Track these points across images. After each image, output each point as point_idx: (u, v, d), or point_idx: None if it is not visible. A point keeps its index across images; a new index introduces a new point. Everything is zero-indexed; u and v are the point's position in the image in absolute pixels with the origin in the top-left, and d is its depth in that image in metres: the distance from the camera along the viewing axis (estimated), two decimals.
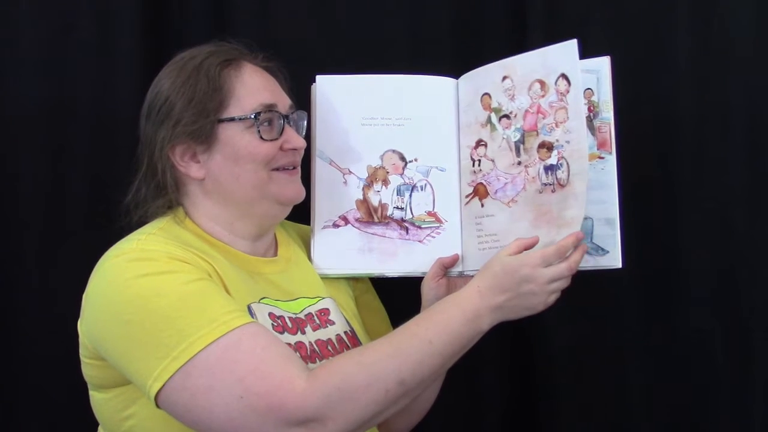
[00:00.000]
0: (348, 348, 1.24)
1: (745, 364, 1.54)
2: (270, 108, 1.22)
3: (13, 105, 1.56)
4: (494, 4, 1.60)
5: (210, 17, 1.61)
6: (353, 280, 1.38)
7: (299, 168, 1.27)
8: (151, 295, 1.08)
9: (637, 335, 1.57)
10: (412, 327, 1.13)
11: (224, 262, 1.19)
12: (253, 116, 1.21)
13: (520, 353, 1.61)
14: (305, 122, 1.30)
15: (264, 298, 1.21)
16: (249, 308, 1.17)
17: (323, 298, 1.28)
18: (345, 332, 1.26)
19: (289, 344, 1.16)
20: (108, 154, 1.58)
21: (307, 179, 1.31)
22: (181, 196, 1.24)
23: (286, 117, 1.24)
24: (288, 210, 1.28)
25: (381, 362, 1.07)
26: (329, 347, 1.22)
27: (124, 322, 1.08)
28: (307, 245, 1.36)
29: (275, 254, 1.30)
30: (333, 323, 1.25)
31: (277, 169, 1.23)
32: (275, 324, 1.18)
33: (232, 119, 1.20)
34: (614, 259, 1.23)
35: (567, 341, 1.58)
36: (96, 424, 1.24)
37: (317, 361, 1.18)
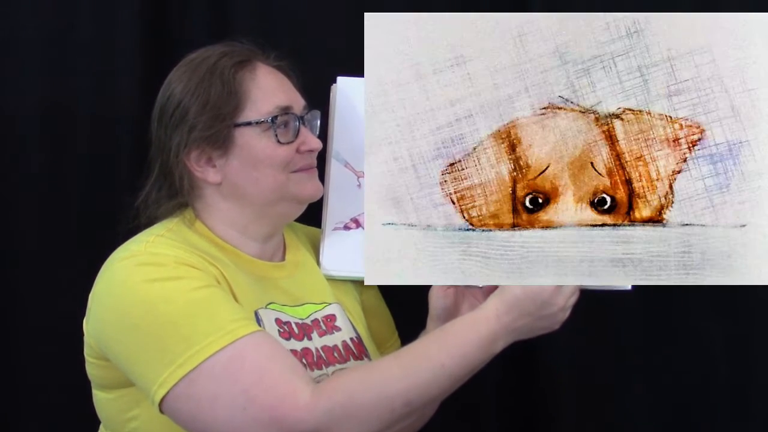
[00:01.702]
0: (354, 354, 1.24)
1: (745, 364, 1.55)
2: (286, 110, 1.21)
3: (13, 105, 1.56)
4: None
5: (210, 17, 1.61)
6: (360, 283, 1.38)
7: (315, 166, 1.27)
8: (159, 301, 1.08)
9: (637, 335, 1.58)
10: (424, 348, 1.12)
11: (232, 267, 1.19)
12: (270, 120, 1.20)
13: (520, 353, 1.61)
14: (318, 121, 1.29)
15: (271, 303, 1.21)
16: (256, 314, 1.17)
17: (330, 303, 1.28)
18: (351, 338, 1.26)
19: (296, 351, 1.16)
20: (108, 154, 1.58)
21: (321, 179, 1.30)
22: (195, 198, 1.23)
23: (301, 118, 1.23)
24: (303, 208, 1.28)
25: (389, 382, 1.07)
26: (335, 354, 1.22)
27: (130, 326, 1.09)
28: (315, 248, 1.36)
29: (283, 258, 1.30)
30: (339, 329, 1.25)
31: (295, 171, 1.23)
32: (282, 330, 1.18)
33: (248, 123, 1.19)
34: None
35: (567, 341, 1.58)
36: (96, 423, 1.25)
37: (323, 367, 1.19)
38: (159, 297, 1.08)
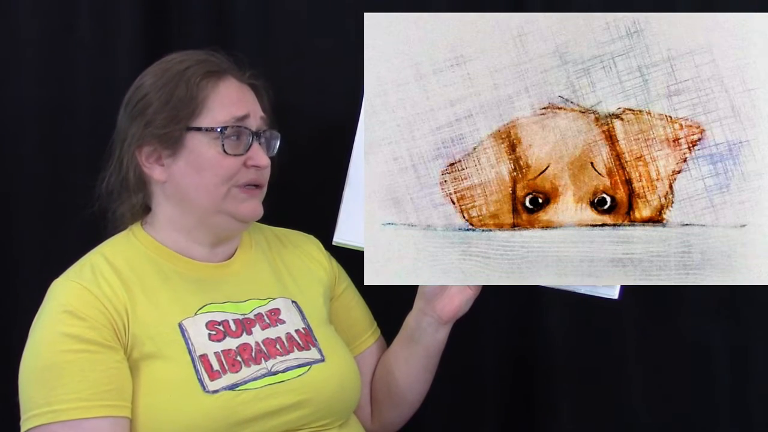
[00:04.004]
0: (298, 345, 1.25)
1: (745, 365, 1.55)
2: (240, 120, 1.23)
3: (13, 105, 1.56)
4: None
5: (210, 18, 1.61)
6: (335, 282, 1.39)
7: (264, 187, 1.27)
8: (33, 351, 1.16)
9: (637, 336, 1.58)
10: None
11: (158, 282, 1.21)
12: (219, 129, 1.22)
13: (520, 354, 1.61)
14: (278, 142, 1.30)
15: (209, 304, 1.22)
16: (180, 326, 1.18)
17: (274, 298, 1.29)
18: (296, 330, 1.27)
19: (230, 349, 1.18)
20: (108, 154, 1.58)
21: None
22: (147, 196, 1.27)
23: (256, 134, 1.25)
24: (245, 226, 1.29)
25: None
26: (278, 345, 1.23)
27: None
28: (275, 247, 1.37)
29: (231, 257, 1.30)
30: (284, 322, 1.26)
31: (238, 186, 1.23)
32: (213, 333, 1.19)
33: (199, 129, 1.22)
34: (612, 289, 1.23)
35: (567, 341, 1.58)
36: None
37: (262, 361, 1.20)
38: (37, 346, 1.15)
